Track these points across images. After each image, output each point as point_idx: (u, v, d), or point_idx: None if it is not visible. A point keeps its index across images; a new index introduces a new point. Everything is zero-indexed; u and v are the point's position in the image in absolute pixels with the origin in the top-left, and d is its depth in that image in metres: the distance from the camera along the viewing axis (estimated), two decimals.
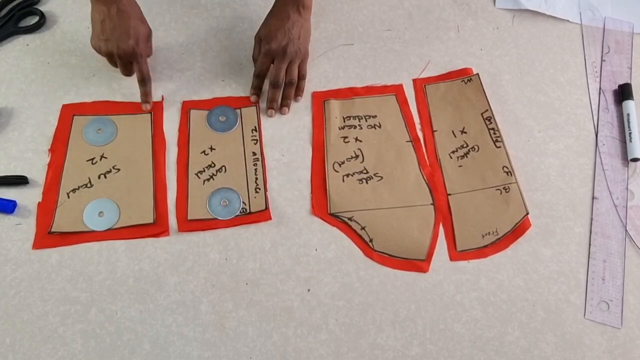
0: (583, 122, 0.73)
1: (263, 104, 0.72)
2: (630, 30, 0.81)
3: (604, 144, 0.71)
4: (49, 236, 0.61)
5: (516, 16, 0.82)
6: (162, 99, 0.71)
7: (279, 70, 0.69)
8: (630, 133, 0.70)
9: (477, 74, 0.74)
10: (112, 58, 0.69)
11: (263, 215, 0.63)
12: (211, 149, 0.67)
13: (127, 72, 0.70)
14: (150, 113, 0.70)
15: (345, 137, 0.70)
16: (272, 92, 0.70)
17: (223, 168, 0.66)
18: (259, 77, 0.71)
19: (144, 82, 0.68)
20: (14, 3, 0.78)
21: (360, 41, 0.78)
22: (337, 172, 0.67)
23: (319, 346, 0.56)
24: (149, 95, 0.69)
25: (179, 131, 0.69)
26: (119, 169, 0.65)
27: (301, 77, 0.72)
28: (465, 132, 0.70)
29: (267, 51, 0.69)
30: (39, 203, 0.63)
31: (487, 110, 0.72)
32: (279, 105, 0.71)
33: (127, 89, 0.72)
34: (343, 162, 0.68)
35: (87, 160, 0.66)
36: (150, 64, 0.74)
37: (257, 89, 0.71)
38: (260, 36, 0.71)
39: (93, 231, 0.61)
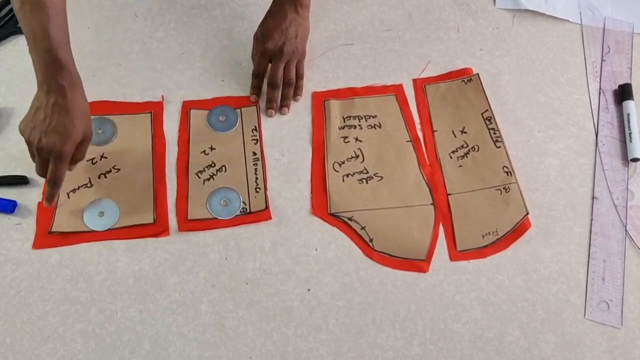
0: (583, 122, 0.73)
1: (263, 104, 0.72)
2: (630, 30, 0.81)
3: (604, 144, 0.71)
4: (49, 236, 0.61)
5: (516, 16, 0.82)
6: (162, 99, 0.71)
7: (276, 70, 0.69)
8: (630, 133, 0.70)
9: (477, 74, 0.74)
10: (31, 148, 0.58)
11: (263, 215, 0.63)
12: (211, 148, 0.67)
13: (40, 170, 0.58)
14: (150, 113, 0.70)
15: (345, 137, 0.70)
16: (271, 92, 0.70)
17: (223, 168, 0.66)
18: (258, 77, 0.71)
19: (54, 185, 0.57)
20: None
21: (360, 41, 0.78)
22: (337, 172, 0.67)
23: (319, 346, 0.56)
24: (54, 198, 0.58)
25: (179, 131, 0.69)
26: (119, 169, 0.65)
27: (299, 76, 0.72)
28: (465, 132, 0.70)
29: (264, 51, 0.69)
30: (39, 203, 0.63)
31: (487, 110, 0.72)
32: (279, 105, 0.71)
33: (127, 89, 0.72)
34: (343, 162, 0.68)
35: (87, 160, 0.66)
36: (150, 64, 0.74)
37: (256, 89, 0.71)
38: (257, 36, 0.71)
39: (93, 231, 0.61)
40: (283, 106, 0.71)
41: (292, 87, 0.71)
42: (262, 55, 0.70)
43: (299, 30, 0.70)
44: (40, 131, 0.55)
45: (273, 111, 0.70)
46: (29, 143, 0.58)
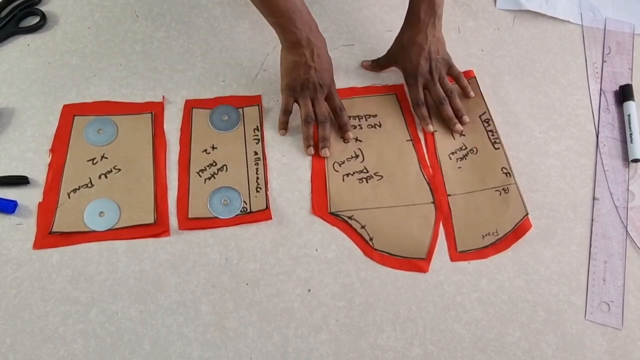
0: (584, 123, 0.73)
1: (264, 104, 0.71)
2: (631, 31, 0.81)
3: (604, 145, 0.71)
4: (49, 236, 0.61)
5: (517, 17, 0.82)
6: (163, 99, 0.71)
7: (437, 92, 0.70)
8: (631, 134, 0.70)
9: (475, 77, 0.75)
10: (306, 93, 0.67)
11: (263, 214, 0.63)
12: (213, 147, 0.68)
13: (322, 114, 0.68)
14: (151, 113, 0.70)
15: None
16: (446, 111, 0.70)
17: (224, 167, 0.66)
18: (420, 105, 0.70)
19: (341, 111, 0.68)
20: (15, 3, 0.78)
21: (361, 42, 0.78)
22: (337, 171, 0.67)
23: (320, 347, 0.56)
24: (348, 126, 0.69)
25: (181, 130, 0.69)
26: (119, 169, 0.65)
27: (457, 78, 0.73)
28: (464, 134, 0.70)
29: (417, 82, 0.70)
30: (39, 203, 0.63)
31: (485, 112, 0.72)
32: (454, 121, 0.70)
33: (128, 89, 0.72)
34: (343, 162, 0.68)
35: (88, 161, 0.66)
36: (151, 65, 0.74)
37: (424, 119, 0.70)
38: (403, 68, 0.72)
39: (94, 231, 0.61)
40: (460, 116, 0.70)
41: (455, 95, 0.71)
42: (415, 87, 0.70)
43: (438, 46, 0.70)
44: (313, 76, 0.66)
45: (458, 126, 0.70)
46: (306, 92, 0.67)
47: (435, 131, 0.71)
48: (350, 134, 0.69)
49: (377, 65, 0.75)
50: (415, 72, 0.70)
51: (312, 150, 0.67)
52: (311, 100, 0.68)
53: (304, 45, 0.64)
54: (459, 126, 0.70)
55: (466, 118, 0.70)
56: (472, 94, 0.72)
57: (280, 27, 0.65)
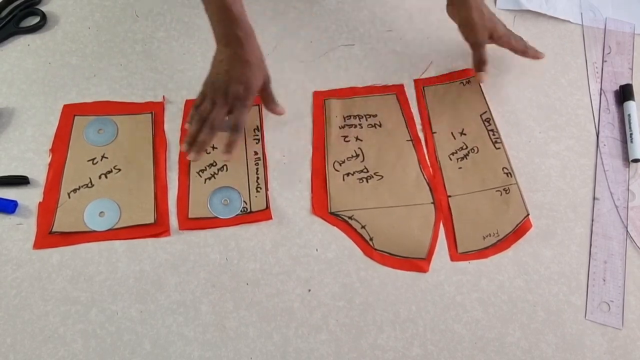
0: (584, 122, 0.73)
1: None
2: (631, 31, 0.81)
3: (605, 145, 0.71)
4: (49, 236, 0.61)
5: (517, 17, 0.82)
6: (163, 99, 0.71)
7: (514, 40, 0.73)
8: (631, 134, 0.70)
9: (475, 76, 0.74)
10: (213, 95, 0.63)
11: (264, 214, 0.63)
12: (213, 147, 0.67)
13: (219, 115, 0.62)
14: (151, 113, 0.70)
15: (346, 137, 0.70)
16: (521, 43, 0.73)
17: (224, 167, 0.66)
18: (527, 48, 0.74)
19: (237, 131, 0.63)
20: (15, 3, 0.78)
21: (361, 42, 0.78)
22: (338, 171, 0.67)
23: (320, 346, 0.56)
24: (235, 145, 0.63)
25: (181, 129, 0.69)
26: (119, 169, 0.65)
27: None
28: (465, 134, 0.70)
29: (509, 38, 0.72)
30: (39, 203, 0.63)
31: (486, 111, 0.72)
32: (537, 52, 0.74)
33: (129, 89, 0.72)
34: (343, 161, 0.68)
35: (88, 160, 0.66)
36: (151, 65, 0.74)
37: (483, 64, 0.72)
38: (485, 36, 0.71)
39: (94, 231, 0.61)
40: (528, 47, 0.74)
41: (517, 37, 0.74)
42: (508, 40, 0.72)
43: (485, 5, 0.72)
44: (225, 81, 0.62)
45: (541, 53, 0.75)
46: (214, 91, 0.63)
47: (435, 132, 0.71)
48: (229, 156, 0.62)
49: (482, 63, 0.72)
50: (493, 32, 0.71)
51: (186, 146, 0.62)
52: (214, 102, 0.63)
53: (235, 52, 0.62)
54: (541, 53, 0.74)
55: (534, 48, 0.74)
56: (533, 50, 0.75)
57: (224, 26, 0.62)
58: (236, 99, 0.62)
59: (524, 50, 0.74)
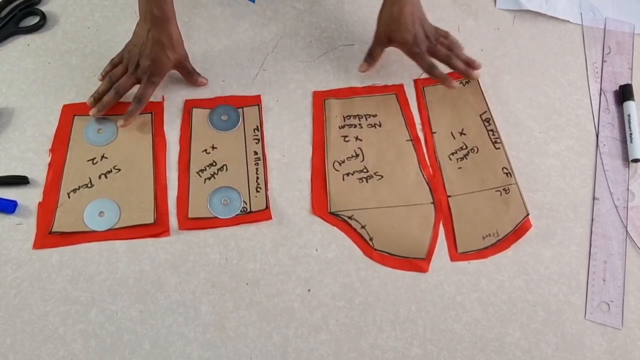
0: (584, 122, 0.73)
1: (265, 104, 0.71)
2: (631, 31, 0.81)
3: (604, 145, 0.71)
4: (49, 236, 0.61)
5: (517, 17, 0.82)
6: (163, 99, 0.71)
7: (440, 52, 0.71)
8: (631, 134, 0.70)
9: None
10: (125, 63, 0.68)
11: (263, 214, 0.63)
12: (213, 147, 0.68)
13: (125, 84, 0.67)
14: (151, 113, 0.70)
15: (346, 136, 0.70)
16: (455, 65, 0.71)
17: (224, 167, 0.66)
18: (434, 68, 0.70)
19: (140, 102, 0.67)
20: (15, 3, 0.78)
21: (361, 41, 0.78)
22: (338, 171, 0.67)
23: (319, 347, 0.56)
24: (135, 114, 0.67)
25: (180, 129, 0.69)
26: (119, 169, 0.65)
27: (445, 36, 0.73)
28: (464, 134, 0.70)
29: (421, 50, 0.70)
30: (39, 203, 0.63)
31: (485, 111, 0.72)
32: (469, 71, 0.71)
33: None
34: (343, 161, 0.68)
35: (88, 160, 0.66)
36: None
37: (444, 78, 0.70)
38: (401, 40, 0.71)
39: (93, 231, 0.61)
40: (472, 64, 0.72)
41: (457, 48, 0.72)
42: (421, 54, 0.70)
43: (420, 10, 0.71)
44: (138, 53, 0.66)
45: (475, 73, 0.71)
46: (128, 59, 0.68)
47: (435, 132, 0.71)
48: (124, 123, 0.67)
49: (371, 56, 0.74)
50: (417, 40, 0.70)
51: (91, 101, 0.68)
52: (126, 69, 0.68)
53: (150, 29, 0.65)
54: (475, 73, 0.71)
55: (479, 63, 0.71)
56: (467, 57, 0.72)
57: (146, 3, 0.65)
58: (144, 73, 0.67)
59: (463, 70, 0.71)
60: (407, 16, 0.69)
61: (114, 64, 0.70)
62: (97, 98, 0.68)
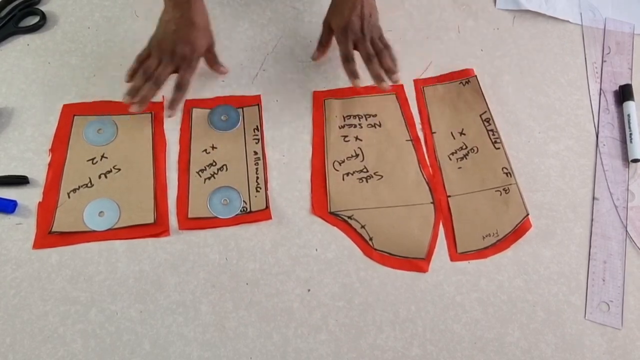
0: (583, 123, 0.73)
1: (265, 104, 0.71)
2: (630, 31, 0.81)
3: (604, 145, 0.71)
4: (49, 236, 0.61)
5: (517, 17, 0.82)
6: (163, 99, 0.71)
7: (366, 48, 0.68)
8: (630, 134, 0.70)
9: (475, 75, 0.74)
10: (159, 54, 0.66)
11: (263, 214, 0.63)
12: (213, 147, 0.68)
13: (164, 72, 0.66)
14: (151, 113, 0.70)
15: (346, 136, 0.70)
16: (372, 67, 0.67)
17: (224, 167, 0.66)
18: (349, 61, 0.68)
19: (181, 89, 0.66)
20: (15, 3, 0.78)
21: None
22: (337, 170, 0.67)
23: (319, 347, 0.56)
24: (178, 103, 0.66)
25: (180, 129, 0.69)
26: (119, 169, 0.65)
27: (385, 46, 0.70)
28: (464, 134, 0.70)
29: (345, 38, 0.69)
30: (39, 203, 0.63)
31: (485, 111, 0.72)
32: (383, 77, 0.67)
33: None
34: (343, 161, 0.68)
35: (88, 160, 0.66)
36: None
37: (354, 73, 0.68)
38: (331, 24, 0.71)
39: (93, 231, 0.61)
40: (392, 74, 0.67)
41: (385, 53, 0.68)
42: (344, 41, 0.69)
43: (371, 11, 0.70)
44: (172, 41, 0.65)
45: (385, 83, 0.67)
46: (160, 50, 0.66)
47: (434, 132, 0.71)
48: (172, 112, 0.66)
49: (320, 43, 0.74)
50: (346, 26, 0.68)
51: (127, 98, 0.65)
52: (160, 61, 0.66)
53: (182, 14, 0.64)
54: (385, 84, 0.66)
55: (397, 77, 0.67)
56: (398, 77, 0.68)
57: None
58: (182, 59, 0.66)
59: (376, 75, 0.67)
60: (349, 2, 0.68)
61: (142, 60, 0.67)
62: (134, 94, 0.65)
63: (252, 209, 0.63)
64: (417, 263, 0.61)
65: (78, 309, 0.57)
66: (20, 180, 0.64)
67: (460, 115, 0.72)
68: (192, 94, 0.72)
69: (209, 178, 0.65)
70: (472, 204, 0.65)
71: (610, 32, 0.81)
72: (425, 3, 0.82)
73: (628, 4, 0.84)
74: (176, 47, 0.65)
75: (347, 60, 0.69)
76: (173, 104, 0.66)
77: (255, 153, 0.67)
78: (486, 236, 0.63)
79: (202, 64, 0.71)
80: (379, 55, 0.68)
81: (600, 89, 0.76)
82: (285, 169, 0.67)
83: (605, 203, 0.66)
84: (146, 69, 0.66)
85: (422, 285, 0.60)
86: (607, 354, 0.57)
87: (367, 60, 0.68)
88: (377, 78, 0.67)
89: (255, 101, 0.72)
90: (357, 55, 0.69)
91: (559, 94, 0.75)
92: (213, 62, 0.72)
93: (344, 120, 0.71)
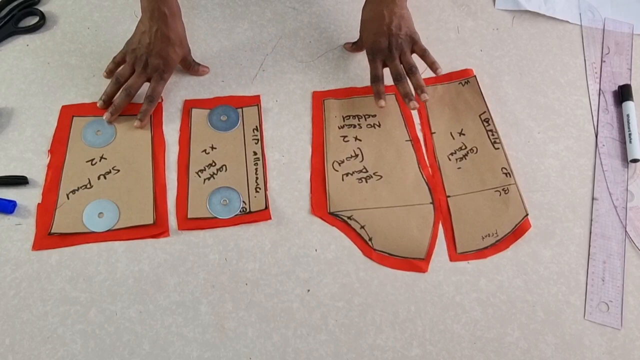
0: (583, 123, 0.73)
1: (265, 104, 0.72)
2: (630, 31, 0.81)
3: (603, 145, 0.71)
4: (48, 237, 0.60)
5: (516, 17, 0.82)
6: (162, 99, 0.71)
7: (396, 67, 0.68)
8: (630, 134, 0.70)
9: (475, 76, 0.74)
10: (131, 62, 0.68)
11: (263, 214, 0.63)
12: (212, 147, 0.68)
13: (135, 83, 0.68)
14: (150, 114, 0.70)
15: (345, 137, 0.70)
16: (402, 87, 0.67)
17: (224, 167, 0.66)
18: (377, 81, 0.68)
19: (152, 102, 0.68)
20: (14, 3, 0.78)
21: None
22: (337, 171, 0.67)
23: (319, 347, 0.56)
24: (149, 114, 0.68)
25: (180, 130, 0.69)
26: (118, 170, 0.65)
27: (422, 52, 0.69)
28: (464, 134, 0.70)
29: (373, 58, 0.69)
30: (38, 204, 0.63)
31: (485, 112, 0.72)
32: (413, 96, 0.67)
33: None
34: (342, 161, 0.68)
35: (87, 161, 0.66)
36: None
37: (379, 94, 0.68)
38: (364, 42, 0.71)
39: (93, 232, 0.61)
40: (422, 92, 0.66)
41: (416, 71, 0.67)
42: (373, 61, 0.69)
43: (401, 23, 0.69)
44: (147, 52, 0.67)
45: (413, 103, 0.66)
46: (134, 59, 0.67)
47: (434, 133, 0.71)
48: (140, 123, 0.67)
49: (356, 47, 0.76)
50: (373, 47, 0.69)
51: (102, 104, 0.68)
52: (133, 69, 0.68)
53: (158, 27, 0.65)
54: (413, 103, 0.66)
55: (425, 95, 0.66)
56: (439, 70, 0.68)
57: (152, 0, 0.65)
58: (154, 71, 0.67)
59: (405, 94, 0.67)
60: (375, 21, 0.69)
61: (117, 62, 0.69)
62: (107, 101, 0.68)
63: (252, 209, 0.63)
64: (417, 263, 0.61)
65: (78, 309, 0.57)
66: (19, 181, 0.64)
67: (459, 116, 0.72)
68: (191, 94, 0.72)
69: (209, 178, 0.65)
70: (471, 204, 0.65)
71: (609, 33, 0.81)
72: (425, 3, 0.82)
73: (627, 4, 0.84)
74: (149, 59, 0.67)
75: (374, 81, 0.69)
76: (144, 115, 0.67)
77: (255, 153, 0.67)
78: (486, 236, 0.63)
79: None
80: (409, 73, 0.68)
81: (600, 89, 0.76)
82: (285, 169, 0.67)
83: (604, 203, 0.66)
84: (119, 77, 0.68)
85: (421, 285, 0.60)
86: (606, 354, 0.57)
87: (396, 80, 0.68)
88: (405, 97, 0.67)
89: (254, 101, 0.72)
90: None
91: (558, 94, 0.75)
92: (190, 68, 0.73)
93: (344, 121, 0.71)
